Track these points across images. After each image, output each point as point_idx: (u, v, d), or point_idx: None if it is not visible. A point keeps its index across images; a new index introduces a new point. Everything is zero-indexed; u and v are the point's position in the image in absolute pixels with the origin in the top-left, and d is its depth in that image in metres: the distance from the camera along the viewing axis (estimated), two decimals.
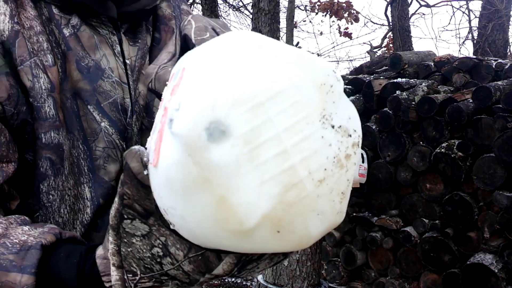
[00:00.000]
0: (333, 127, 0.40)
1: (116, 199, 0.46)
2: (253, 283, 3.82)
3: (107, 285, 0.50)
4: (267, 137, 0.37)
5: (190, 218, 0.40)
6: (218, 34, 0.59)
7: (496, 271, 2.51)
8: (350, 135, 0.41)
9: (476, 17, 7.91)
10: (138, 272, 0.47)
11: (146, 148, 0.44)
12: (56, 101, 0.66)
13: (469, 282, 2.60)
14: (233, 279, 3.90)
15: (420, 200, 2.97)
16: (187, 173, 0.38)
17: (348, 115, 0.42)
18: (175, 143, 0.38)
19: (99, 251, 0.51)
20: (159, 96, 0.54)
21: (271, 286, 2.47)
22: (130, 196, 0.45)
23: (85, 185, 0.70)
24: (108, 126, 0.70)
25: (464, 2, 11.46)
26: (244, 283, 3.85)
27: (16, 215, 0.60)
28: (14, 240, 0.53)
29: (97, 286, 0.50)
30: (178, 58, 0.52)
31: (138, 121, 0.74)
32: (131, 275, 0.47)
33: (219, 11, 10.07)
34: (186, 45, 0.60)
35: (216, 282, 3.84)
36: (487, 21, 6.61)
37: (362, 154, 2.93)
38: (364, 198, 3.26)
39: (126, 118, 0.72)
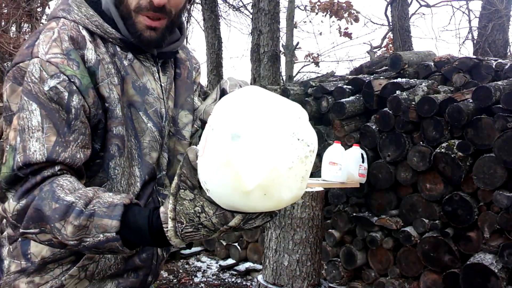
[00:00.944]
0: (298, 139, 0.70)
1: (176, 176, 0.76)
2: (253, 283, 3.82)
3: (165, 230, 0.79)
4: (260, 141, 0.69)
5: (217, 186, 0.71)
6: None
7: (496, 271, 2.51)
8: (308, 145, 0.72)
9: (476, 17, 7.91)
10: (184, 222, 0.77)
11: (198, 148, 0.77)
12: (121, 107, 0.98)
13: (469, 282, 2.60)
14: (233, 279, 3.90)
15: (420, 200, 2.97)
16: (218, 158, 0.69)
17: (308, 133, 0.72)
18: (213, 142, 0.70)
19: (162, 209, 0.81)
20: (204, 123, 1.01)
21: (271, 286, 2.47)
22: (185, 175, 0.75)
23: (135, 166, 1.02)
24: (152, 126, 1.04)
25: (464, 2, 11.46)
26: (244, 283, 3.85)
27: (97, 187, 0.90)
28: (105, 200, 0.84)
29: (160, 231, 0.80)
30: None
31: (168, 125, 1.09)
32: (180, 224, 0.77)
33: (219, 11, 10.06)
34: (223, 94, 1.06)
35: (216, 282, 3.84)
36: (487, 21, 6.61)
37: (362, 154, 2.93)
38: (364, 198, 3.26)
39: (162, 122, 1.07)
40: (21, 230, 0.86)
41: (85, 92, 0.92)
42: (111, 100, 0.96)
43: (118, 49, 1.02)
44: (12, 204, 0.86)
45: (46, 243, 0.87)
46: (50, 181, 0.86)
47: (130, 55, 1.04)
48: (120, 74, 1.01)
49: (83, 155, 0.92)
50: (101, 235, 0.81)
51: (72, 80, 0.91)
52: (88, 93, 0.93)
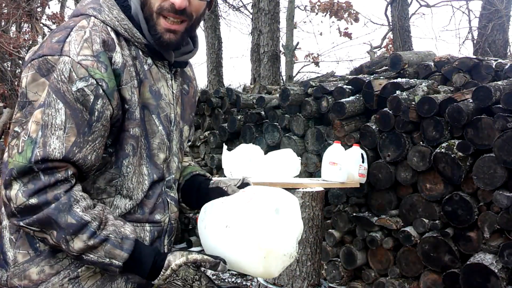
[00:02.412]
0: (296, 248, 1.05)
1: (199, 255, 1.00)
2: (253, 283, 3.82)
3: (161, 274, 0.98)
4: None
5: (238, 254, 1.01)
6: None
7: (496, 271, 2.51)
8: (295, 256, 1.03)
9: (476, 17, 7.91)
10: (179, 277, 0.99)
11: None
12: (139, 109, 1.04)
13: (469, 282, 2.60)
14: (233, 279, 3.90)
15: (420, 200, 2.97)
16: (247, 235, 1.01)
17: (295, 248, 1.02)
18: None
19: (170, 257, 0.99)
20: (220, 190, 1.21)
21: (271, 286, 2.47)
22: (205, 262, 1.00)
23: (143, 166, 1.08)
24: (162, 130, 1.11)
25: (464, 2, 11.46)
26: (244, 283, 3.85)
27: (104, 205, 1.00)
28: (119, 230, 0.97)
29: (156, 270, 0.98)
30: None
31: (176, 130, 1.17)
32: (175, 276, 0.99)
33: (219, 11, 10.06)
34: (244, 184, 1.23)
35: (216, 282, 3.84)
36: (487, 21, 6.60)
37: (362, 154, 2.93)
38: (364, 198, 3.26)
39: (170, 126, 1.14)
40: (21, 223, 0.92)
41: (111, 94, 0.99)
42: (131, 103, 1.03)
43: (140, 53, 1.08)
44: (20, 198, 0.91)
45: (39, 238, 0.96)
46: (67, 192, 0.93)
47: (149, 60, 1.10)
48: (139, 76, 1.07)
49: (94, 157, 0.98)
50: (107, 259, 0.95)
51: (100, 83, 0.97)
52: (113, 96, 0.99)
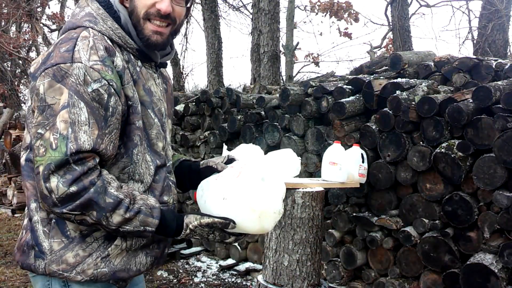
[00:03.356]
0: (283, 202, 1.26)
1: (209, 218, 1.19)
2: (253, 283, 3.82)
3: (182, 233, 1.19)
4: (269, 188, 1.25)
5: (239, 209, 1.20)
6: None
7: (496, 271, 2.51)
8: (282, 212, 1.25)
9: (476, 17, 7.91)
10: (197, 234, 1.19)
11: None
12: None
13: (469, 282, 2.60)
14: (233, 279, 3.90)
15: (420, 200, 2.97)
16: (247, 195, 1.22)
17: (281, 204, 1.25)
18: (244, 183, 1.23)
19: (186, 220, 1.19)
20: (208, 168, 1.42)
21: (271, 286, 2.47)
22: (216, 225, 1.19)
23: (146, 154, 1.24)
24: (157, 121, 1.27)
25: (464, 2, 11.46)
26: (244, 283, 3.85)
27: (129, 187, 1.18)
28: (147, 202, 1.15)
29: (178, 231, 1.19)
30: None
31: (166, 121, 1.35)
32: (193, 233, 1.18)
33: (219, 11, 10.06)
34: (230, 160, 1.45)
35: (216, 282, 3.84)
36: (487, 21, 6.60)
37: (362, 154, 2.92)
38: (364, 198, 3.26)
39: (163, 118, 1.31)
40: (64, 211, 1.06)
41: (119, 93, 1.15)
42: (134, 99, 1.20)
43: (132, 57, 1.23)
44: (61, 188, 1.04)
45: (78, 221, 1.10)
46: (99, 177, 1.09)
47: (139, 63, 1.26)
48: (133, 77, 1.22)
49: (112, 147, 1.14)
50: (142, 228, 1.13)
51: (110, 83, 1.13)
52: (121, 93, 1.15)
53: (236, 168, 1.28)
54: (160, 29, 1.22)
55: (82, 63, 1.09)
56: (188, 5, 1.28)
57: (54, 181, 1.04)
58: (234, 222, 1.18)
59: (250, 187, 1.19)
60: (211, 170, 1.38)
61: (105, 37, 1.17)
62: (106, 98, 1.11)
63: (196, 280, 3.89)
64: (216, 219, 1.18)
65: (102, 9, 1.21)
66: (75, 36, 1.13)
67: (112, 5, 1.23)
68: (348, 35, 12.38)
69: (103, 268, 1.17)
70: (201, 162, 1.45)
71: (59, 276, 1.15)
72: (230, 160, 1.43)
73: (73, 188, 1.04)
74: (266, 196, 1.20)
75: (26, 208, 1.23)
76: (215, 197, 1.23)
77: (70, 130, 1.06)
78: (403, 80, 3.41)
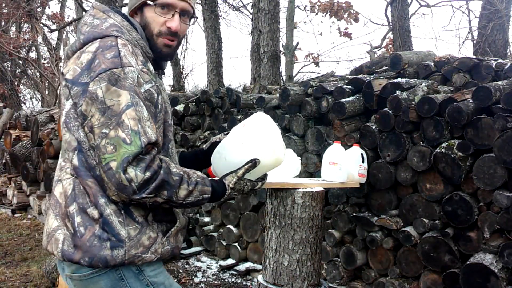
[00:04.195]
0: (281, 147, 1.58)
1: (242, 172, 1.41)
2: (253, 283, 3.82)
3: (226, 194, 1.39)
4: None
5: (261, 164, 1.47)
6: None
7: (496, 271, 2.51)
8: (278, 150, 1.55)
9: (476, 17, 7.91)
10: (236, 190, 1.41)
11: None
12: None
13: (469, 282, 2.60)
14: (233, 279, 3.90)
15: (420, 200, 2.97)
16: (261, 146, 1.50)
17: (280, 145, 1.54)
18: (255, 144, 1.50)
19: (226, 182, 1.39)
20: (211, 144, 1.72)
21: (271, 286, 2.47)
22: (244, 179, 1.44)
23: (172, 148, 1.44)
24: (171, 122, 1.43)
25: (464, 2, 11.46)
26: (244, 283, 3.85)
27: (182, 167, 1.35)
28: (198, 174, 1.33)
29: (223, 193, 1.39)
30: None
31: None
32: (232, 191, 1.40)
33: (219, 11, 10.06)
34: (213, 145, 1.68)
35: (216, 282, 3.84)
36: (487, 21, 6.60)
37: (362, 154, 2.92)
38: (364, 198, 3.26)
39: (172, 119, 1.47)
40: (142, 195, 1.20)
41: (161, 93, 1.35)
42: (165, 100, 1.40)
43: (152, 64, 1.40)
44: (140, 176, 1.19)
45: (150, 204, 1.25)
46: (162, 161, 1.26)
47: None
48: (158, 82, 1.39)
49: (161, 139, 1.33)
50: (201, 196, 1.32)
51: (157, 84, 1.33)
52: (161, 93, 1.36)
53: (238, 126, 1.55)
54: (170, 43, 1.41)
55: (133, 67, 1.25)
56: (191, 23, 1.48)
57: (131, 171, 1.18)
58: (256, 160, 1.42)
59: (259, 130, 1.48)
60: (216, 144, 1.61)
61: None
62: (155, 97, 1.32)
63: (196, 280, 3.89)
64: (246, 165, 1.41)
65: (125, 21, 1.35)
66: (114, 44, 1.26)
67: (129, 18, 1.39)
68: (348, 35, 12.38)
69: (166, 246, 1.35)
70: (204, 145, 1.72)
71: (137, 260, 1.28)
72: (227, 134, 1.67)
73: (148, 174, 1.20)
74: (274, 135, 1.50)
75: (74, 206, 1.28)
76: (233, 148, 1.47)
77: (139, 126, 1.21)
78: (403, 80, 3.41)
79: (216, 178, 1.41)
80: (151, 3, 1.37)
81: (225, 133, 1.65)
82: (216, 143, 1.61)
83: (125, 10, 1.52)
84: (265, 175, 1.50)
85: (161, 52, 1.40)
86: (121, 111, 1.19)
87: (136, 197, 1.20)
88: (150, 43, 1.39)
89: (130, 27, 1.35)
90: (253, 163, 1.41)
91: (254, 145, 1.44)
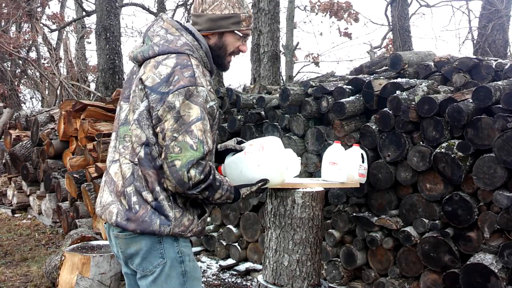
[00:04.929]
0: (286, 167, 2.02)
1: (253, 190, 1.79)
2: (253, 283, 3.82)
3: (239, 200, 1.73)
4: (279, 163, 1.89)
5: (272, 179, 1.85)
6: None
7: (496, 271, 2.51)
8: (285, 168, 1.96)
9: (476, 17, 7.91)
10: (245, 197, 1.75)
11: None
12: None
13: (469, 282, 2.60)
14: (233, 279, 3.90)
15: (420, 200, 2.97)
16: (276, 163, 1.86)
17: (286, 162, 1.95)
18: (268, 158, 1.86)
19: (241, 192, 1.72)
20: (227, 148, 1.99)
21: (271, 286, 2.47)
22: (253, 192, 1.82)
23: (213, 149, 1.69)
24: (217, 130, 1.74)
25: (464, 2, 11.46)
26: (244, 283, 3.85)
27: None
28: (228, 183, 1.65)
29: (238, 200, 1.71)
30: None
31: None
32: (242, 200, 1.74)
33: None
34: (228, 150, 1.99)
35: (216, 282, 3.84)
36: (487, 21, 6.60)
37: (362, 154, 2.92)
38: (364, 198, 3.26)
39: None
40: (194, 192, 1.51)
41: (218, 108, 1.62)
42: (219, 112, 1.63)
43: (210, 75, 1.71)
44: (197, 176, 1.49)
45: (193, 197, 1.55)
46: (212, 167, 1.55)
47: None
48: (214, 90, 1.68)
49: (213, 147, 1.63)
50: (225, 200, 1.64)
51: (217, 102, 1.62)
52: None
53: (256, 144, 1.83)
54: (232, 61, 1.77)
55: (204, 87, 1.53)
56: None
57: (193, 172, 1.47)
58: (267, 180, 1.78)
59: (275, 157, 1.80)
60: (229, 150, 1.90)
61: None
62: (215, 112, 1.60)
63: None
64: (259, 184, 1.77)
65: (195, 41, 1.62)
66: (189, 63, 1.54)
67: (197, 37, 1.64)
68: (348, 35, 12.38)
69: (199, 227, 1.66)
70: (218, 146, 1.93)
71: (176, 235, 1.60)
72: (239, 142, 1.95)
73: (202, 176, 1.49)
74: (282, 159, 1.82)
75: (131, 188, 1.58)
76: (251, 166, 1.78)
77: (204, 136, 1.50)
78: (403, 80, 3.41)
79: (233, 185, 1.70)
80: (238, 33, 1.69)
81: (237, 140, 1.93)
82: (229, 150, 1.90)
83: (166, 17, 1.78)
84: (265, 189, 1.86)
85: (225, 67, 1.76)
86: (191, 122, 1.48)
87: (188, 192, 1.50)
88: (219, 58, 1.71)
89: (198, 47, 1.62)
90: (265, 183, 1.77)
91: (269, 169, 1.78)
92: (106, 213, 1.62)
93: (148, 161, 1.56)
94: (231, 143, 1.91)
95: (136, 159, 1.58)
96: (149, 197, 1.56)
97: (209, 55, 1.66)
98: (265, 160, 1.77)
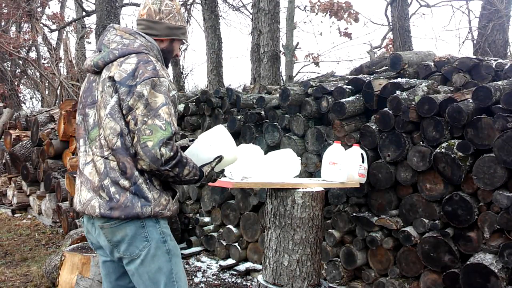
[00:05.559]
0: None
1: (212, 166, 1.92)
2: (253, 283, 3.82)
3: (202, 179, 1.87)
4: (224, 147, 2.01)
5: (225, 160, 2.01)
6: None
7: (496, 271, 2.51)
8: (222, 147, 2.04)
9: (476, 17, 7.91)
10: (207, 178, 1.90)
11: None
12: None
13: (469, 282, 2.60)
14: (233, 279, 3.90)
15: (420, 200, 2.97)
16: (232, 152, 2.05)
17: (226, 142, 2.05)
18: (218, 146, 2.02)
19: (203, 169, 1.87)
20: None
21: (271, 286, 2.47)
22: (213, 169, 1.95)
23: None
24: None
25: (464, 2, 11.46)
26: (244, 283, 3.85)
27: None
28: (191, 160, 1.81)
29: (200, 178, 1.86)
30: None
31: None
32: (205, 178, 1.88)
33: (219, 11, 10.05)
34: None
35: (216, 282, 3.84)
36: (487, 21, 6.60)
37: (362, 154, 2.92)
38: (364, 198, 3.26)
39: None
40: (167, 168, 1.67)
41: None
42: (178, 100, 1.85)
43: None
44: (168, 153, 1.66)
45: (165, 176, 1.71)
46: (178, 146, 1.73)
47: None
48: None
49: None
50: (193, 177, 1.79)
51: (177, 91, 1.82)
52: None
53: (204, 134, 2.02)
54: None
55: (165, 78, 1.74)
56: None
57: (163, 150, 1.64)
58: (222, 156, 1.91)
59: (223, 136, 1.98)
60: (184, 148, 2.02)
61: None
62: (176, 100, 1.79)
63: (196, 280, 3.89)
64: (216, 160, 1.90)
65: (149, 43, 1.84)
66: (150, 60, 1.74)
67: (148, 39, 1.85)
68: (348, 35, 12.38)
69: (173, 207, 1.83)
70: None
71: (157, 215, 1.75)
72: (191, 141, 2.08)
73: (172, 153, 1.66)
74: (230, 137, 1.99)
75: (107, 180, 1.72)
76: (204, 148, 1.92)
77: (170, 119, 1.69)
78: (403, 80, 3.41)
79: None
80: (184, 42, 2.00)
81: (190, 139, 2.09)
82: (185, 148, 2.01)
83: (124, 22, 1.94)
84: (223, 170, 2.19)
85: (167, 67, 2.00)
86: (158, 107, 1.67)
87: (162, 168, 1.66)
88: (166, 61, 1.95)
89: (152, 47, 1.84)
90: (220, 158, 1.91)
91: (220, 146, 1.94)
92: (89, 208, 1.76)
93: (124, 150, 1.71)
94: (184, 141, 2.08)
95: (107, 153, 1.73)
96: (126, 183, 1.71)
97: (161, 55, 1.88)
98: (214, 139, 1.96)
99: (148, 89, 1.67)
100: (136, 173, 1.72)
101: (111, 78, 1.72)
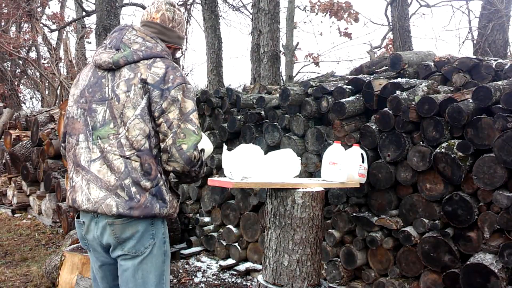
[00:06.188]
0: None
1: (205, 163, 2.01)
2: (253, 283, 3.82)
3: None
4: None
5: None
6: None
7: (496, 271, 2.51)
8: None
9: (476, 17, 7.91)
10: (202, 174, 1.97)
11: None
12: None
13: (469, 282, 2.60)
14: (233, 279, 3.90)
15: (420, 200, 2.97)
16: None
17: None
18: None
19: None
20: None
21: (271, 286, 2.47)
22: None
23: None
24: None
25: (464, 2, 11.46)
26: (244, 283, 3.85)
27: None
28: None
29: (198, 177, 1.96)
30: None
31: None
32: (202, 174, 1.94)
33: (219, 11, 10.05)
34: None
35: (216, 282, 3.84)
36: (487, 21, 6.60)
37: (362, 154, 2.92)
38: (364, 198, 3.26)
39: None
40: (195, 168, 1.79)
41: None
42: None
43: None
44: (198, 155, 1.76)
45: (188, 176, 1.85)
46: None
47: None
48: None
49: None
50: (203, 175, 1.92)
51: None
52: None
53: None
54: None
55: (190, 85, 1.83)
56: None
57: (195, 152, 1.75)
58: (203, 149, 1.93)
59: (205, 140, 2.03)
60: None
61: None
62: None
63: (196, 280, 3.89)
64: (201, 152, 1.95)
65: (167, 48, 1.90)
66: (176, 66, 1.82)
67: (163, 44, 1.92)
68: (348, 35, 12.38)
69: (178, 208, 1.89)
70: None
71: (170, 216, 1.82)
72: None
73: (200, 155, 1.80)
74: (207, 139, 2.04)
75: (129, 180, 1.73)
76: None
77: (198, 124, 1.79)
78: (403, 80, 3.41)
79: None
80: (183, 50, 2.23)
81: None
82: None
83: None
84: (206, 158, 2.31)
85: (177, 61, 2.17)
86: (189, 112, 1.76)
87: (193, 169, 1.77)
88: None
89: (169, 54, 1.89)
90: (202, 151, 1.96)
91: (203, 143, 1.99)
92: (103, 207, 1.73)
93: (150, 151, 1.75)
94: None
95: (129, 153, 1.73)
96: (148, 184, 1.74)
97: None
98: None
99: (181, 94, 1.75)
100: (159, 175, 1.77)
101: (143, 80, 1.74)
